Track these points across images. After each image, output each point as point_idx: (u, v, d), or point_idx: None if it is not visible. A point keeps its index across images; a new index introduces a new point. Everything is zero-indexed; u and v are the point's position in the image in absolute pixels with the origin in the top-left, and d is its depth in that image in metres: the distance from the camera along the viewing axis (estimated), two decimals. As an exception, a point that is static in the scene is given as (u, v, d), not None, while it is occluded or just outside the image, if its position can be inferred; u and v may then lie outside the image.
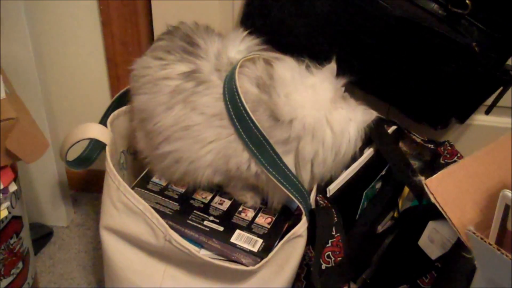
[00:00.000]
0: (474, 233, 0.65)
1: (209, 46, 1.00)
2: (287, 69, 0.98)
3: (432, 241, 0.92)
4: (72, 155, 1.11)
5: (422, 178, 0.90)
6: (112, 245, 1.02)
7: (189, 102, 0.95)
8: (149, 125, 1.00)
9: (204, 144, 0.96)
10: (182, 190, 1.07)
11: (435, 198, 0.76)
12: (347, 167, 1.10)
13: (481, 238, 0.64)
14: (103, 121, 1.15)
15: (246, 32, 1.05)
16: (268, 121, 0.94)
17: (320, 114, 0.96)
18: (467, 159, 0.84)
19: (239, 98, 0.93)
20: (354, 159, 1.06)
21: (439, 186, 0.77)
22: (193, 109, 0.95)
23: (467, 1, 1.00)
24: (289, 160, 0.96)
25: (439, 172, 0.80)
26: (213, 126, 0.96)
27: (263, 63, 0.99)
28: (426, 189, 0.77)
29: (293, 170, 0.97)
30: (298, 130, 0.94)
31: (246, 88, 0.95)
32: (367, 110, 1.01)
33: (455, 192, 0.79)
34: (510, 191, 0.68)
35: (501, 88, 1.11)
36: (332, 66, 1.00)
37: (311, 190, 1.04)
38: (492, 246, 0.63)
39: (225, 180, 1.03)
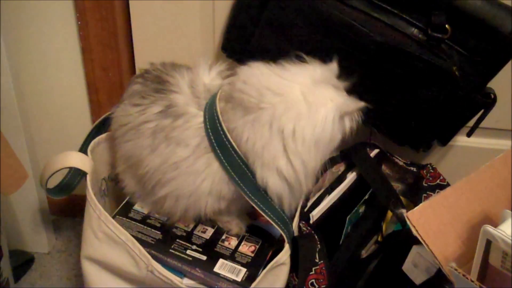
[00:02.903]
0: (456, 270, 0.65)
1: (179, 80, 1.00)
2: (254, 67, 0.97)
3: (416, 265, 0.92)
4: (53, 181, 1.09)
5: (404, 210, 0.91)
6: (94, 275, 1.00)
7: (171, 138, 0.95)
8: (138, 170, 1.00)
9: (198, 174, 0.96)
10: (164, 218, 1.06)
11: (417, 231, 0.76)
12: (330, 190, 1.10)
13: (464, 275, 0.64)
14: (83, 149, 1.13)
15: (211, 61, 1.05)
16: (242, 118, 0.93)
17: (295, 88, 0.93)
18: (448, 190, 0.84)
19: (220, 125, 0.93)
20: (339, 180, 1.05)
21: (421, 219, 0.77)
22: (177, 144, 0.95)
23: (446, 26, 1.01)
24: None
25: (421, 204, 0.80)
26: (201, 155, 0.95)
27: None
28: (408, 222, 0.77)
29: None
30: (269, 98, 0.92)
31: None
32: (354, 98, 0.96)
33: (436, 224, 0.79)
34: (491, 227, 0.68)
35: (482, 110, 1.11)
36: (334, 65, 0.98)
37: (295, 210, 1.03)
38: (475, 283, 0.63)
39: (229, 205, 1.02)
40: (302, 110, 0.91)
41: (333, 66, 0.97)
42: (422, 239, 0.76)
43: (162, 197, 0.99)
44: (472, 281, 0.63)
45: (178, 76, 1.00)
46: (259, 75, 0.95)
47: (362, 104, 0.94)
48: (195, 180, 0.96)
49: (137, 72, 1.29)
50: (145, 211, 1.07)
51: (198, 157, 0.95)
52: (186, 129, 0.95)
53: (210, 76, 1.02)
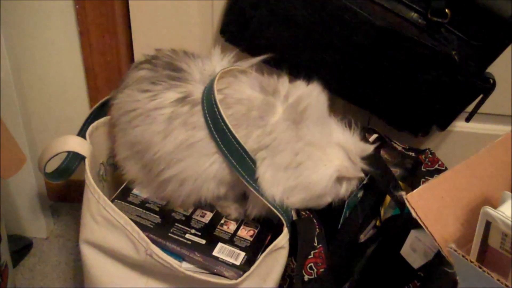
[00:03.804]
0: (456, 251, 0.65)
1: (194, 69, 1.00)
2: None
3: (414, 250, 0.92)
4: (51, 166, 1.09)
5: (403, 192, 0.90)
6: (93, 259, 1.00)
7: (190, 123, 0.95)
8: (147, 155, 0.99)
9: (209, 157, 0.96)
10: (163, 202, 1.06)
11: (416, 213, 0.76)
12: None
13: (463, 256, 0.64)
14: (81, 133, 1.13)
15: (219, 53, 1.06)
16: (286, 125, 0.96)
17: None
18: (448, 172, 0.84)
19: (218, 110, 0.93)
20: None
21: (420, 201, 0.77)
22: (194, 128, 0.95)
23: (446, 10, 1.00)
24: None
25: (420, 187, 0.80)
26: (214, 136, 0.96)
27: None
28: (407, 204, 0.77)
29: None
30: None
31: (249, 94, 0.97)
32: (358, 167, 1.02)
33: (436, 206, 0.79)
34: (491, 208, 0.68)
35: (481, 95, 1.11)
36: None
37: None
38: (474, 263, 0.63)
39: (228, 191, 1.02)
40: (317, 154, 0.98)
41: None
42: (421, 221, 0.76)
43: (167, 180, 0.99)
44: (472, 262, 0.63)
45: (193, 65, 1.01)
46: (323, 107, 1.02)
47: (361, 174, 1.01)
48: (204, 162, 0.96)
49: (136, 57, 1.28)
50: (144, 195, 1.07)
51: (211, 138, 0.96)
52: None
53: (222, 65, 1.03)
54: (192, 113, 0.96)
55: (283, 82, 1.01)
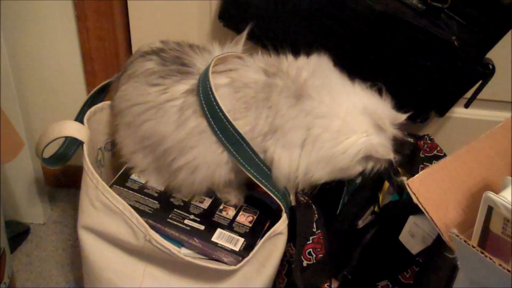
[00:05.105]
0: (458, 236, 0.65)
1: (201, 64, 1.00)
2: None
3: (412, 235, 0.92)
4: (48, 151, 1.08)
5: (404, 178, 0.90)
6: (91, 245, 1.00)
7: (201, 111, 0.95)
8: (160, 148, 0.99)
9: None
10: (162, 188, 1.05)
11: (417, 198, 0.76)
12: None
13: (465, 241, 0.64)
14: (79, 118, 1.13)
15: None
16: (288, 102, 0.95)
17: (344, 103, 0.97)
18: (449, 158, 0.84)
19: (213, 96, 0.93)
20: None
21: (421, 186, 0.77)
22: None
23: (446, -5, 1.00)
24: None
25: (421, 172, 0.80)
26: None
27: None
28: (408, 189, 0.77)
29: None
30: (322, 96, 0.96)
31: (255, 78, 0.97)
32: (388, 147, 0.98)
33: (437, 192, 0.79)
34: (493, 193, 0.68)
35: (481, 81, 1.11)
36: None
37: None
38: (476, 248, 0.63)
39: (237, 175, 1.02)
40: (335, 124, 0.95)
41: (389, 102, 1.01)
42: (422, 206, 0.76)
43: (179, 168, 0.99)
44: (474, 247, 0.63)
45: (200, 60, 1.01)
46: (329, 74, 0.99)
47: (391, 156, 0.97)
48: (216, 149, 0.96)
49: (133, 41, 1.27)
50: (142, 181, 1.06)
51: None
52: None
53: None
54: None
55: (286, 60, 1.00)
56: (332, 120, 0.95)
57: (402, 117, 1.00)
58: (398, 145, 1.01)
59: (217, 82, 0.96)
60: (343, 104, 0.97)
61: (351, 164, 0.97)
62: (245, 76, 0.97)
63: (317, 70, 0.99)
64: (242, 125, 0.95)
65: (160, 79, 0.99)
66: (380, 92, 1.01)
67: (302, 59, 1.01)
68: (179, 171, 0.99)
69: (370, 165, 0.99)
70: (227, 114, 0.92)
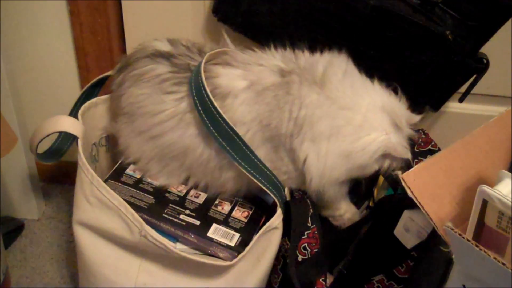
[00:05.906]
0: (452, 229, 0.65)
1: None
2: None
3: (407, 230, 0.93)
4: (42, 147, 1.08)
5: (399, 172, 0.90)
6: (86, 240, 1.00)
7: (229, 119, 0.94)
8: (188, 159, 1.00)
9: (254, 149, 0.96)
10: (157, 183, 1.05)
11: (412, 192, 0.76)
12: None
13: (459, 234, 0.64)
14: (73, 113, 1.12)
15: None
16: (311, 90, 0.95)
17: (366, 99, 0.97)
18: (443, 152, 0.85)
19: (206, 92, 0.93)
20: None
21: (416, 180, 0.77)
22: (234, 125, 0.94)
23: (440, -11, 1.00)
24: None
25: (416, 166, 0.80)
26: (257, 129, 0.97)
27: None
28: (403, 183, 0.77)
29: None
30: (344, 87, 0.97)
31: (272, 79, 0.96)
32: (406, 147, 0.99)
33: (432, 185, 0.79)
34: (488, 187, 0.68)
35: (475, 75, 1.11)
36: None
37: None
38: (471, 242, 0.64)
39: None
40: (357, 118, 0.94)
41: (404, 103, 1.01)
42: (417, 200, 0.76)
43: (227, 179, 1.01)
44: (469, 241, 0.64)
45: None
46: (348, 68, 0.99)
47: (409, 155, 0.98)
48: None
49: (127, 36, 1.27)
50: (137, 175, 1.06)
51: (255, 132, 0.96)
52: (239, 106, 0.95)
53: None
54: (225, 110, 0.94)
55: (302, 55, 1.00)
56: (355, 114, 0.95)
57: (417, 118, 1.01)
58: (411, 145, 1.02)
59: (236, 86, 0.96)
60: (364, 99, 0.97)
61: (369, 161, 0.97)
62: (263, 78, 0.96)
63: (335, 63, 0.98)
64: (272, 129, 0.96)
65: (175, 86, 0.98)
66: (395, 92, 1.02)
67: (318, 55, 1.01)
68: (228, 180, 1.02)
69: (387, 164, 0.99)
70: (220, 110, 0.92)
